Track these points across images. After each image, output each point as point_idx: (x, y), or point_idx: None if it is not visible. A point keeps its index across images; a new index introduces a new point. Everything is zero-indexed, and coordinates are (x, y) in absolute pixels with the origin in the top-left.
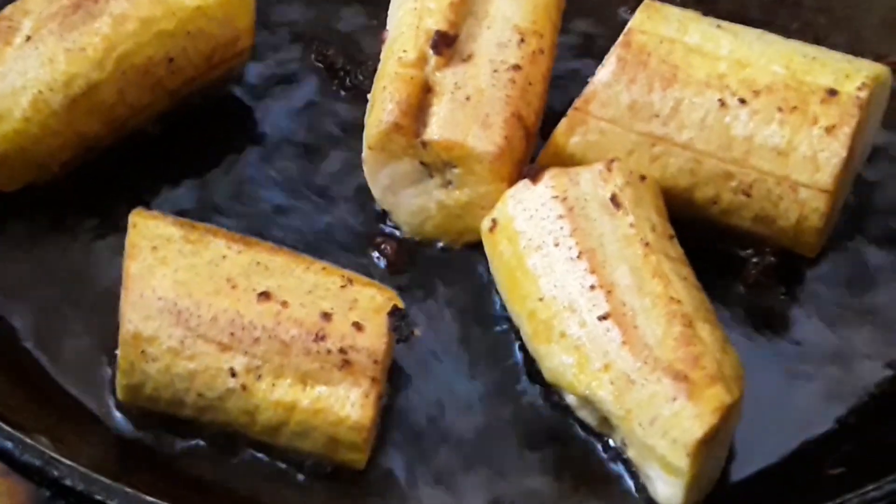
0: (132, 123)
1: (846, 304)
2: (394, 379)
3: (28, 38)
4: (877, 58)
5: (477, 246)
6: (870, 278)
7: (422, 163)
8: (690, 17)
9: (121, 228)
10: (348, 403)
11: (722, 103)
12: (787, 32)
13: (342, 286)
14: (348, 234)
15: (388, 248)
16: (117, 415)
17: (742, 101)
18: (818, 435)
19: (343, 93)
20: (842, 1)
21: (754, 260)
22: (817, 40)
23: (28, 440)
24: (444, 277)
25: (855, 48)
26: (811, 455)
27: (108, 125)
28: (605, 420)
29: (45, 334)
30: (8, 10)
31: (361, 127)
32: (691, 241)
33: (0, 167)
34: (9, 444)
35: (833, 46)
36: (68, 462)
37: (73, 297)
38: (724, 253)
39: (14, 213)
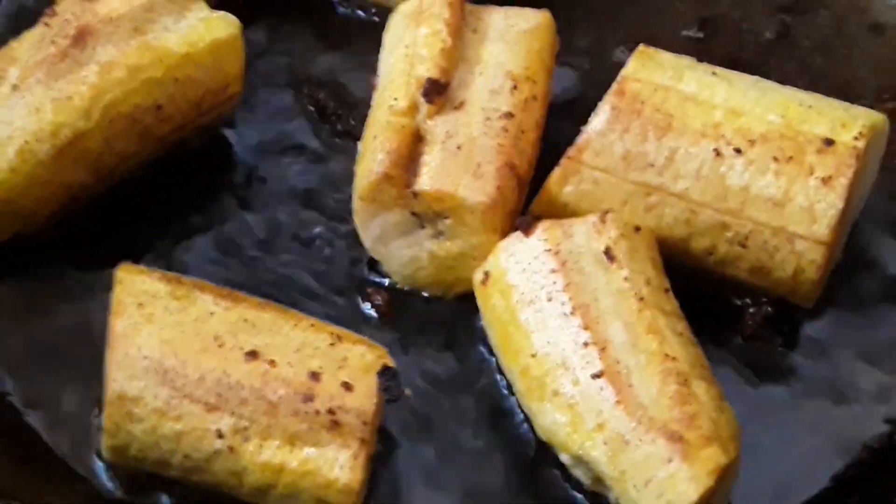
0: (120, 171)
1: (845, 356)
2: (383, 439)
3: (15, 87)
4: (876, 99)
5: (469, 297)
6: (868, 329)
7: (413, 213)
8: (685, 64)
9: (109, 281)
10: (337, 466)
11: (717, 153)
12: (783, 73)
13: (331, 344)
14: (339, 283)
15: (380, 298)
16: (104, 475)
17: (738, 151)
18: (817, 491)
19: (334, 138)
20: (839, 41)
21: (751, 310)
22: (814, 81)
23: None
24: (436, 328)
25: (853, 89)
26: None
27: (96, 174)
28: (599, 479)
29: (30, 391)
30: None
31: (352, 174)
32: (687, 290)
33: None
34: None
35: (830, 87)
36: None
37: (60, 351)
38: (721, 303)
39: (0, 265)
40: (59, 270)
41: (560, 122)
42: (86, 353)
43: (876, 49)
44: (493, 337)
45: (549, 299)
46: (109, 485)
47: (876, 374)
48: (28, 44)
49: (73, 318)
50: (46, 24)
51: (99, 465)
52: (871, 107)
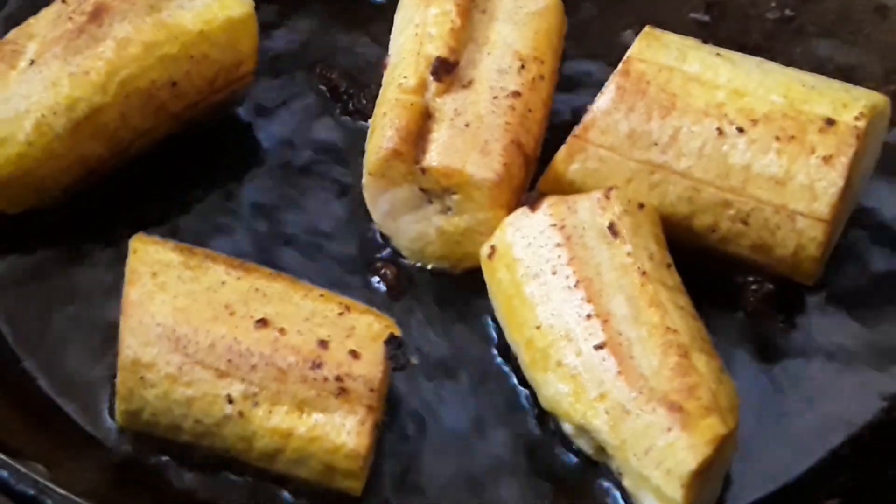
0: (135, 147)
1: (844, 333)
2: (390, 407)
3: (32, 62)
4: (883, 82)
5: (477, 271)
6: (868, 307)
7: (421, 189)
8: (690, 45)
9: (122, 252)
10: (344, 431)
11: (720, 132)
12: (789, 58)
13: (339, 313)
14: (348, 258)
15: (388, 272)
16: (116, 439)
17: (740, 130)
18: (814, 465)
19: (345, 117)
20: (844, 26)
21: (753, 287)
22: (819, 65)
23: (23, 469)
24: (444, 303)
25: (857, 73)
26: (807, 485)
27: (111, 148)
28: (601, 449)
29: (45, 357)
30: (13, 33)
31: (362, 152)
32: (690, 267)
33: (3, 191)
34: (4, 473)
35: (835, 71)
36: (63, 492)
37: (74, 320)
38: (723, 280)
39: (16, 237)
40: (74, 241)
41: (567, 102)
42: (100, 320)
43: (881, 33)
44: (499, 309)
45: (554, 273)
46: (123, 448)
47: (875, 350)
48: (45, 20)
49: (88, 287)
50: (64, 1)
51: (112, 430)
52: (877, 90)
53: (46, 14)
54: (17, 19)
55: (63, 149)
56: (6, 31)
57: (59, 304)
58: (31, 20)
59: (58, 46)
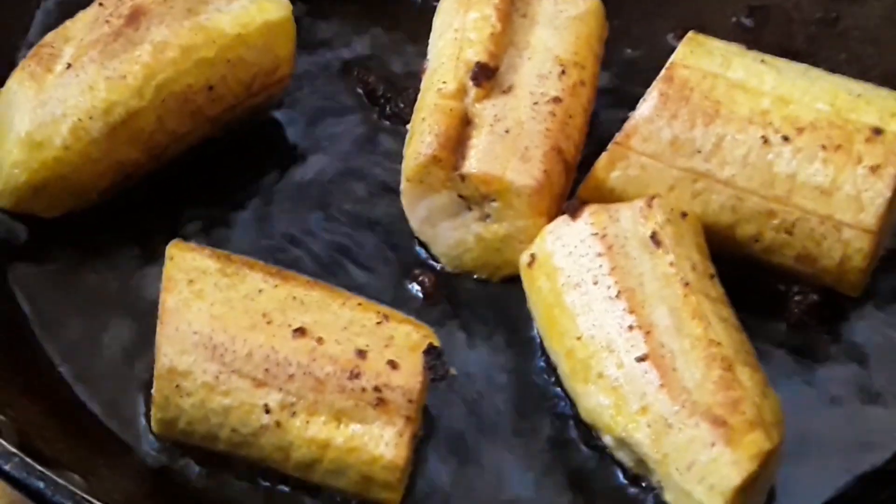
0: (171, 151)
1: (890, 345)
2: (428, 418)
3: (69, 66)
4: None
5: (515, 280)
6: None
7: (460, 195)
8: (734, 51)
9: (159, 258)
10: (382, 442)
11: (765, 140)
12: (834, 63)
13: (378, 322)
14: (386, 265)
15: (426, 280)
16: (152, 448)
17: (785, 139)
18: (859, 478)
19: (383, 121)
20: (889, 31)
21: (797, 298)
22: (864, 71)
23: (60, 480)
24: (482, 311)
25: None
26: (851, 501)
27: (148, 153)
28: (642, 462)
29: (81, 365)
30: (49, 36)
31: (400, 157)
32: (733, 277)
33: (40, 195)
34: (40, 485)
35: (881, 77)
36: (98, 503)
37: (110, 327)
38: (767, 289)
39: (53, 242)
40: (110, 247)
41: (608, 108)
42: (136, 327)
43: None
44: (539, 319)
45: (595, 282)
46: (159, 457)
47: None
48: (82, 23)
49: (124, 294)
50: (101, 4)
51: (148, 438)
52: None
53: (83, 17)
54: (53, 22)
55: (99, 153)
56: (43, 34)
57: (95, 310)
58: (68, 23)
59: (94, 50)
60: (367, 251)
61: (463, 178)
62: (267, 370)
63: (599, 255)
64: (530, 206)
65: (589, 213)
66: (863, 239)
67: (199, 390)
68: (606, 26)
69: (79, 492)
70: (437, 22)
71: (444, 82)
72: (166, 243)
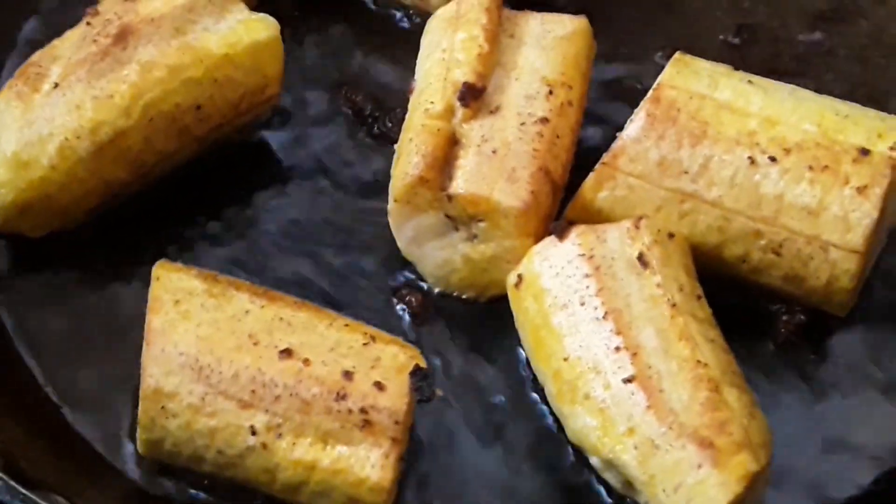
0: (158, 170)
1: (878, 365)
2: (415, 439)
3: (56, 85)
4: None
5: (503, 300)
6: None
7: (447, 216)
8: (721, 72)
9: (145, 278)
10: (368, 464)
11: (752, 161)
12: (821, 83)
13: (365, 343)
14: (373, 284)
15: (413, 300)
16: (137, 468)
17: (772, 160)
18: (847, 500)
19: (370, 140)
20: (877, 50)
21: (784, 317)
22: (852, 90)
23: (43, 503)
24: (469, 331)
25: (891, 98)
26: None
27: (135, 172)
28: (629, 484)
29: (66, 385)
30: (37, 55)
31: (388, 177)
32: (720, 297)
33: (25, 214)
34: None
35: (868, 97)
36: None
37: (96, 347)
38: (754, 309)
39: (39, 261)
40: (96, 267)
41: (595, 128)
42: (122, 348)
43: None
44: (526, 340)
45: (582, 304)
46: (144, 478)
47: None
48: (70, 42)
49: (110, 314)
50: (88, 24)
51: (134, 459)
52: None
53: (71, 36)
54: (41, 41)
55: (86, 172)
56: (30, 53)
57: (81, 330)
58: (56, 42)
59: (82, 69)
60: (354, 271)
61: (450, 198)
62: (253, 391)
63: (587, 275)
64: (517, 227)
65: (576, 234)
66: (850, 259)
67: (185, 412)
68: (594, 46)
69: None
70: (425, 42)
71: (432, 102)
72: (153, 263)
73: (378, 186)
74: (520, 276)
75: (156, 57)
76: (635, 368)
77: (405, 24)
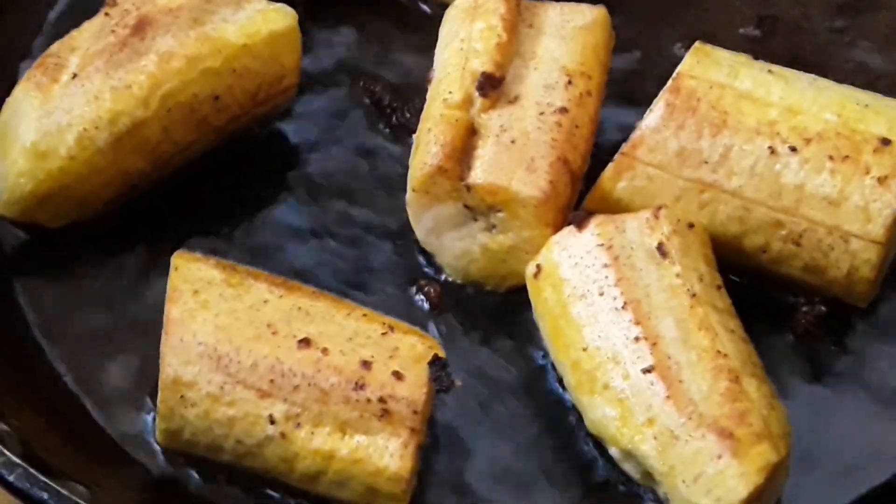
0: (177, 161)
1: None
2: (433, 429)
3: (74, 76)
4: None
5: (521, 290)
6: None
7: (466, 206)
8: (741, 61)
9: (164, 268)
10: (387, 454)
11: (772, 151)
12: (841, 73)
13: (383, 333)
14: (391, 274)
15: (432, 290)
16: (156, 458)
17: (793, 149)
18: (868, 491)
19: (389, 130)
20: None
21: (804, 308)
22: (873, 81)
23: (63, 491)
24: (488, 321)
25: None
26: None
27: (153, 162)
28: (648, 474)
29: (85, 375)
30: (55, 46)
31: (406, 167)
32: (740, 288)
33: (44, 205)
34: (44, 496)
35: (889, 87)
36: None
37: (115, 337)
38: (774, 300)
39: (57, 252)
40: (115, 257)
41: (614, 118)
42: (141, 338)
43: None
44: (545, 330)
45: (601, 294)
46: (163, 468)
47: None
48: (88, 33)
49: (129, 303)
50: (107, 14)
51: (153, 449)
52: None
53: (89, 27)
54: (59, 32)
55: (104, 163)
56: (49, 44)
57: (100, 321)
58: (74, 33)
59: (100, 60)
60: (373, 261)
61: (469, 188)
62: (272, 381)
63: (605, 266)
64: (536, 217)
65: (595, 224)
66: (870, 250)
67: (204, 401)
68: (613, 36)
69: (82, 502)
70: (444, 31)
71: (450, 92)
72: (171, 253)
73: (397, 176)
74: (538, 267)
75: (174, 47)
76: (654, 358)
77: (424, 14)
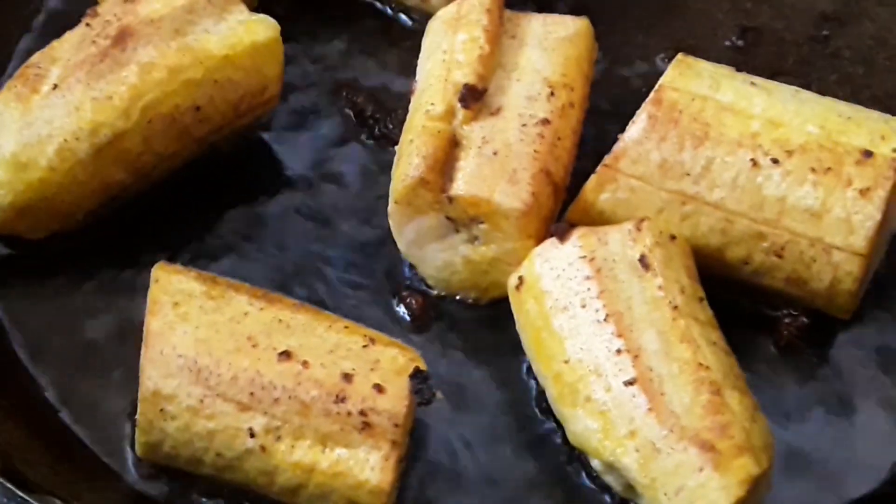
0: (158, 172)
1: (880, 369)
2: (414, 441)
3: (55, 87)
4: None
5: (503, 302)
6: None
7: (448, 218)
8: (724, 73)
9: (145, 280)
10: (368, 467)
11: (754, 163)
12: (825, 84)
13: (364, 346)
14: (373, 286)
15: (414, 301)
16: (136, 471)
17: (775, 161)
18: (851, 502)
19: (371, 141)
20: (880, 52)
21: (786, 320)
22: (855, 92)
23: None
24: (470, 333)
25: (895, 100)
26: None
27: (134, 174)
28: (630, 487)
29: (65, 388)
30: (36, 57)
31: (388, 178)
32: (722, 299)
33: (25, 216)
34: None
35: (872, 98)
36: None
37: (95, 350)
38: (756, 312)
39: (38, 263)
40: (95, 269)
41: (597, 130)
42: (121, 350)
43: None
44: (527, 342)
45: (583, 306)
46: (143, 481)
47: None
48: (69, 44)
49: (109, 315)
50: (88, 25)
51: (133, 462)
52: None
53: (70, 37)
54: (40, 42)
55: (85, 174)
56: (29, 55)
57: (80, 333)
58: (55, 43)
59: (81, 71)
60: (355, 273)
61: (451, 200)
62: (252, 394)
63: (588, 278)
64: (518, 229)
65: (577, 236)
66: (853, 262)
67: (184, 414)
68: (596, 48)
69: None
70: (426, 43)
71: (433, 104)
72: (152, 265)
73: (379, 188)
74: (521, 278)
75: (155, 58)
76: (636, 371)
77: (406, 26)
